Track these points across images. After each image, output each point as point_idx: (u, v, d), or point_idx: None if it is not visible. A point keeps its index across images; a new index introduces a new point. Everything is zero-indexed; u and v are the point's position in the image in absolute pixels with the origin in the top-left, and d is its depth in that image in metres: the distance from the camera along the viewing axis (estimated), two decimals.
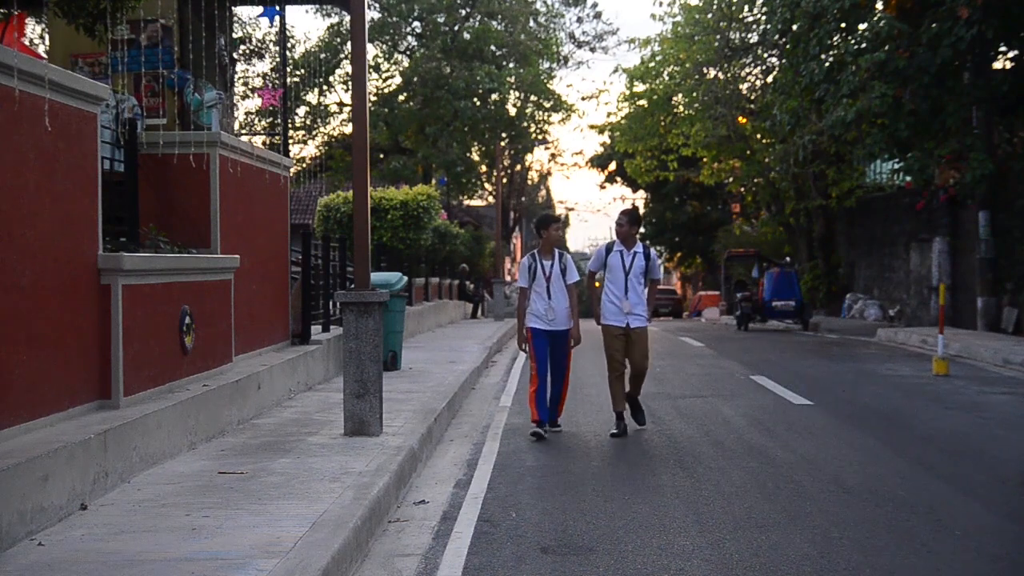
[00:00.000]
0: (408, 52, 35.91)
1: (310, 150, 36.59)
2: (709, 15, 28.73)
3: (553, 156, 44.59)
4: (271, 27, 30.60)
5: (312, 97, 35.85)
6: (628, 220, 8.42)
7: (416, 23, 35.56)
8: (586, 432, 8.30)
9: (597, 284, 8.58)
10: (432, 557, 4.83)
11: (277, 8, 12.82)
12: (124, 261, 6.01)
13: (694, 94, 29.90)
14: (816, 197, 28.65)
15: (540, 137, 38.52)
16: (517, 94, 36.41)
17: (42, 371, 5.22)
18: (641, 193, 47.48)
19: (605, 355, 8.31)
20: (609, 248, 8.47)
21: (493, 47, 34.77)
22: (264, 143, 27.79)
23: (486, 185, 41.98)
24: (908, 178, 20.01)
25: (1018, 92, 17.27)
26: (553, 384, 8.28)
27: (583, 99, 77.53)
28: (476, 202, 47.40)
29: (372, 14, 33.72)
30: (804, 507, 5.67)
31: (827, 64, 18.82)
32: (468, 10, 35.05)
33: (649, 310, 8.42)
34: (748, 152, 29.79)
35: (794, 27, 20.03)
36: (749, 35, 28.71)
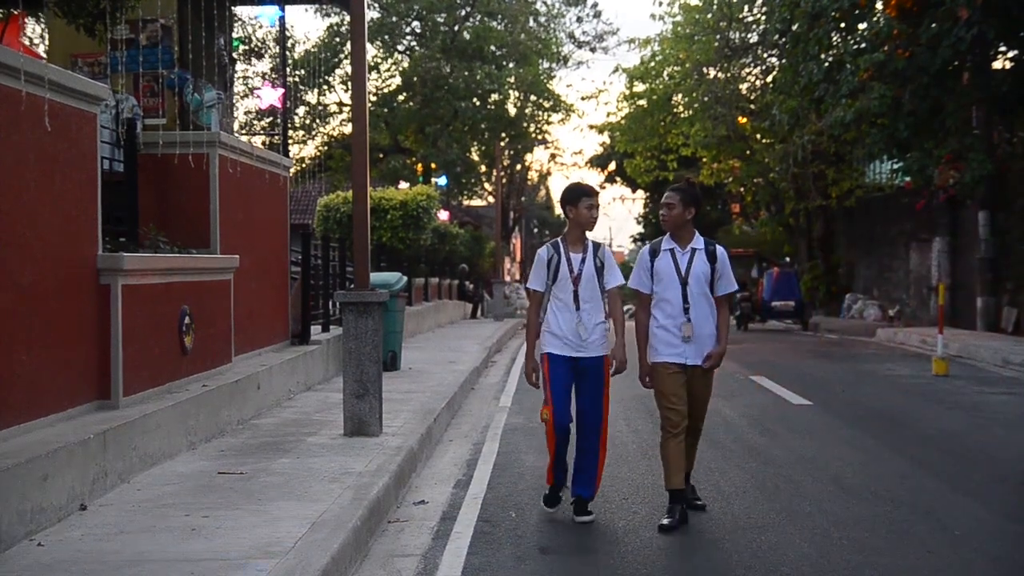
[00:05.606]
0: (408, 52, 35.91)
1: (310, 150, 36.61)
2: (709, 15, 28.73)
3: (553, 156, 44.62)
4: (271, 27, 30.60)
5: (312, 97, 35.86)
6: (681, 198, 5.44)
7: (416, 23, 35.55)
8: None
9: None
10: (432, 557, 4.83)
11: (279, 8, 12.82)
12: (124, 261, 6.01)
13: (694, 94, 29.88)
14: (816, 197, 28.65)
15: (540, 137, 38.51)
16: (517, 94, 36.41)
17: (42, 371, 5.22)
18: (641, 193, 47.44)
19: (657, 406, 5.55)
20: (655, 251, 5.53)
21: (493, 47, 34.76)
22: (264, 143, 27.78)
23: (486, 185, 41.98)
24: (908, 178, 20.00)
25: (1018, 92, 17.26)
26: (581, 441, 5.36)
27: (583, 99, 77.32)
28: (476, 202, 47.38)
29: (372, 14, 33.70)
30: (804, 507, 5.66)
31: (826, 64, 18.83)
32: (468, 10, 35.04)
33: (723, 341, 5.48)
34: (748, 152, 29.78)
35: (794, 27, 20.03)
36: (749, 35, 28.71)
